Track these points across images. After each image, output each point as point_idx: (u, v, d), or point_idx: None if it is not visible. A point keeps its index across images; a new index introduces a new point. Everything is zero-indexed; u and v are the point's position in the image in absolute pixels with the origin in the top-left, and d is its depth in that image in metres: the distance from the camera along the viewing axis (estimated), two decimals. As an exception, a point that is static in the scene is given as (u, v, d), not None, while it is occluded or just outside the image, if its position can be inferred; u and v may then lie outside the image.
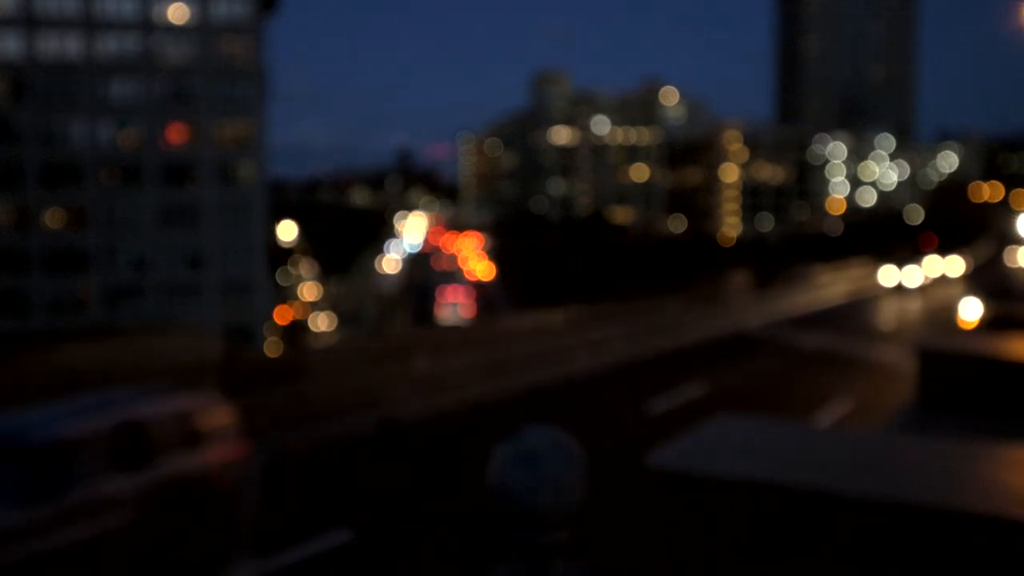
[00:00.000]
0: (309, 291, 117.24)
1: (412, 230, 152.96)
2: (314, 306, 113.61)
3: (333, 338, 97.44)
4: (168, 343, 15.65)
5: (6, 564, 6.35)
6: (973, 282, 45.13)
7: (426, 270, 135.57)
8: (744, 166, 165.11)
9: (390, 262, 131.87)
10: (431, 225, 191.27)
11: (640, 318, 30.01)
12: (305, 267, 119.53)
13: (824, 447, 4.00)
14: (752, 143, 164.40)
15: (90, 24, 66.87)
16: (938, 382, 7.47)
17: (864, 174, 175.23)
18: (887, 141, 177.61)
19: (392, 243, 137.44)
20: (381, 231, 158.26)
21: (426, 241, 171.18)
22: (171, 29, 68.61)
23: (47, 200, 66.05)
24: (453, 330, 36.08)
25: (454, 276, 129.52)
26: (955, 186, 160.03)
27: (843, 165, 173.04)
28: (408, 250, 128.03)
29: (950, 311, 32.73)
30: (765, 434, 4.13)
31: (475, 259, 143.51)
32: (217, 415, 8.73)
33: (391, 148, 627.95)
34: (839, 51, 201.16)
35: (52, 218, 66.39)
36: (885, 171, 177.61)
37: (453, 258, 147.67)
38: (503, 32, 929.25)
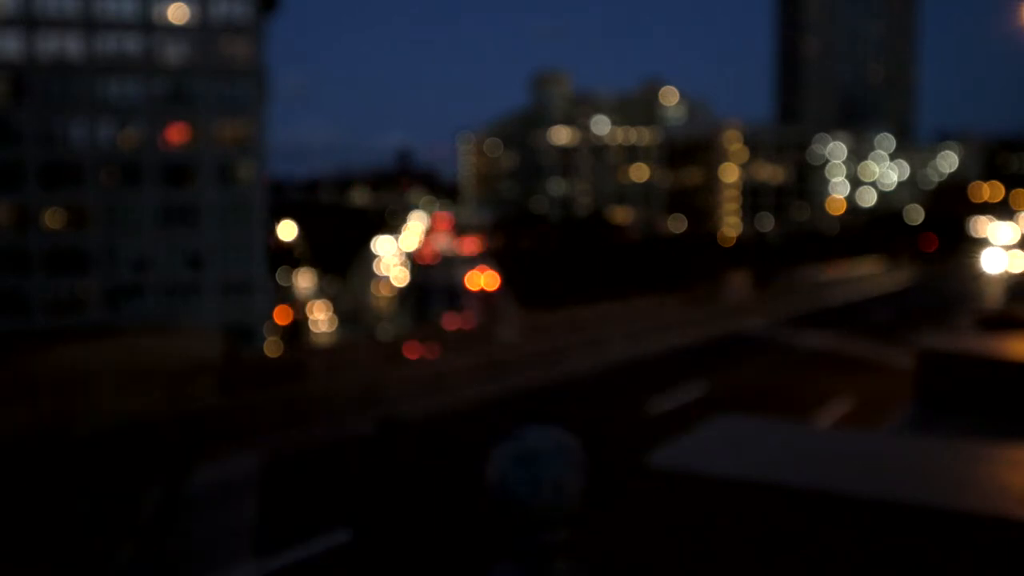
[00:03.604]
0: (309, 291, 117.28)
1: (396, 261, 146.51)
2: (314, 306, 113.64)
3: (333, 338, 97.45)
4: (168, 343, 15.63)
5: None
6: None
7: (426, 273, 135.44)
8: (744, 166, 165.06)
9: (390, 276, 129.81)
10: (431, 227, 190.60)
11: (640, 318, 30.00)
12: (304, 267, 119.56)
13: (824, 447, 4.00)
14: (752, 143, 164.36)
15: (90, 24, 66.85)
16: (938, 382, 7.46)
17: (864, 174, 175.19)
18: (887, 141, 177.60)
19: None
20: (381, 231, 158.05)
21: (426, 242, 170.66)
22: (171, 29, 68.60)
23: (47, 200, 66.03)
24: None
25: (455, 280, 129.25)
26: (955, 186, 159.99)
27: (843, 165, 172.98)
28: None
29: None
30: (765, 434, 4.13)
31: (479, 272, 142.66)
32: None
33: (391, 148, 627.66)
34: (839, 51, 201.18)
35: (52, 218, 66.38)
36: (885, 171, 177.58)
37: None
38: (503, 32, 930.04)
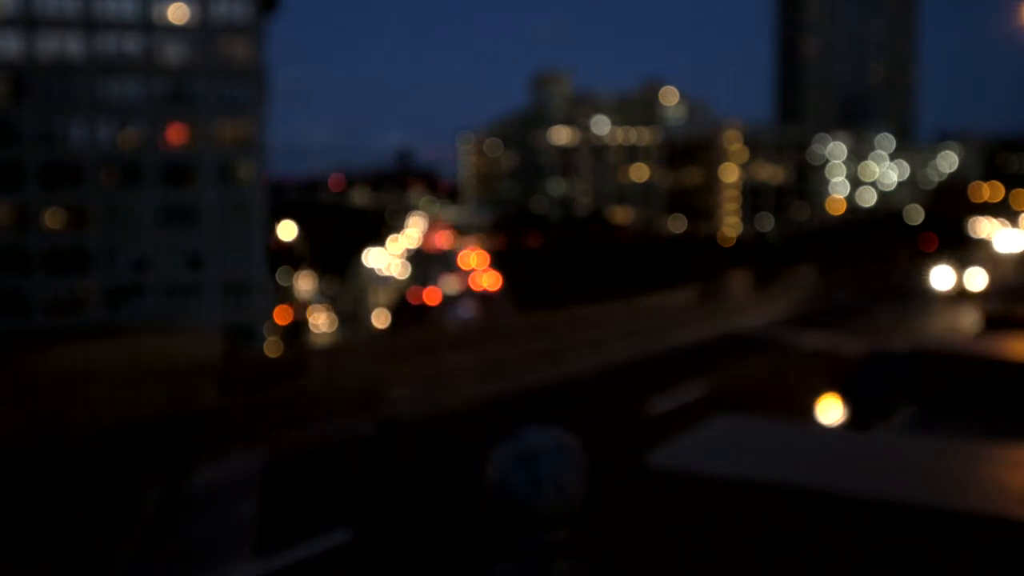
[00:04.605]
0: (309, 291, 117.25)
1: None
2: (314, 306, 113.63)
3: (333, 338, 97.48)
4: (168, 343, 15.63)
5: None
6: None
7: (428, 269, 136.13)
8: (744, 166, 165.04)
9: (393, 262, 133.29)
10: (430, 229, 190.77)
11: (640, 318, 30.00)
12: (305, 267, 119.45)
13: (824, 447, 4.00)
14: (752, 143, 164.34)
15: (90, 24, 66.84)
16: (938, 382, 7.46)
17: (864, 174, 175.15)
18: (887, 141, 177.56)
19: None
20: (381, 231, 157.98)
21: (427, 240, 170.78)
22: (171, 29, 68.59)
23: (47, 200, 66.03)
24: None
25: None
26: (955, 186, 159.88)
27: (843, 165, 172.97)
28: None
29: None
30: (765, 434, 4.13)
31: (482, 272, 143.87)
32: None
33: (391, 148, 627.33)
34: (839, 51, 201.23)
35: (52, 218, 66.36)
36: (885, 171, 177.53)
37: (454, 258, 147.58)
38: (503, 32, 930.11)
